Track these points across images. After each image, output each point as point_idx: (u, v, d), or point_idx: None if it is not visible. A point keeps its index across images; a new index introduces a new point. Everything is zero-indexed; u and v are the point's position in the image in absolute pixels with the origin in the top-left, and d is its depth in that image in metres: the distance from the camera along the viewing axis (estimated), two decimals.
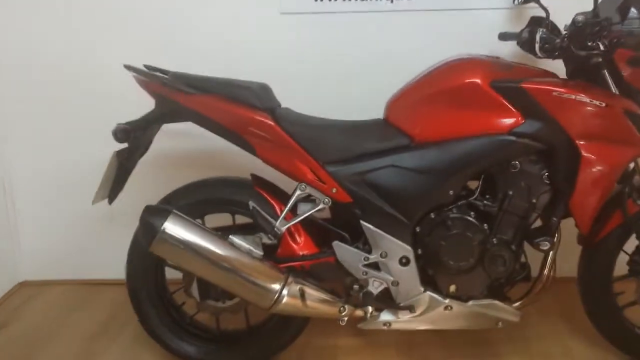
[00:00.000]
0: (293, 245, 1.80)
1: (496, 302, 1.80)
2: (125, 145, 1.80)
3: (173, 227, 1.63)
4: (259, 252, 1.71)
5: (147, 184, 2.26)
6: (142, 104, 1.80)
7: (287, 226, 1.75)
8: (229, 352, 1.94)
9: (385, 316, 1.81)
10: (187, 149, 2.45)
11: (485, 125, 1.67)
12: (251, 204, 1.75)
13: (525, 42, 1.81)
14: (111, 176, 1.81)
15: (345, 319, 1.81)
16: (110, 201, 1.86)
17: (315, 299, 1.73)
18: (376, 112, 1.84)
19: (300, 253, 1.79)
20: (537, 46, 1.73)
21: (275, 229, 1.73)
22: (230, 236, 1.70)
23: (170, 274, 1.98)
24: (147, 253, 1.83)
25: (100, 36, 2.38)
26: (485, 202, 1.75)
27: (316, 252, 1.81)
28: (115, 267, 2.52)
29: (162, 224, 1.61)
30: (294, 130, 1.71)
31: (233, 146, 2.16)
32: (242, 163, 1.90)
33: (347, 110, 1.95)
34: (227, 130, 1.73)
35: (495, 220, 1.75)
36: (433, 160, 1.71)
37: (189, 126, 2.34)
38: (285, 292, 1.68)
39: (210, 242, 1.66)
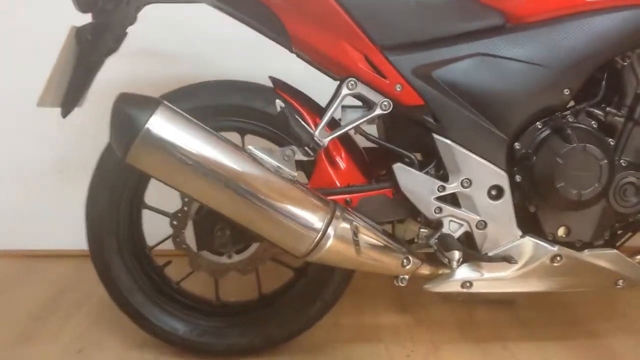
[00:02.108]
0: (332, 171, 1.25)
1: (617, 252, 1.29)
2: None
3: (164, 124, 1.04)
4: (291, 172, 1.15)
5: None
6: None
7: (330, 137, 1.20)
8: (234, 331, 1.35)
9: (464, 273, 1.27)
10: (173, 74, 1.87)
11: None
12: (279, 103, 1.18)
13: None
14: (67, 67, 1.22)
15: (407, 277, 1.26)
16: (65, 112, 1.27)
17: (372, 244, 1.17)
18: None
19: (342, 183, 1.24)
20: None
21: (316, 138, 1.17)
22: (249, 146, 1.14)
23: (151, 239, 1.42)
24: (118, 178, 1.27)
25: None
26: (608, 109, 1.24)
27: (365, 182, 1.27)
28: (64, 235, 1.98)
29: (148, 118, 1.03)
30: None
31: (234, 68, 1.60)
32: None
33: None
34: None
35: (622, 135, 1.24)
36: (540, 45, 1.19)
37: (175, 45, 1.85)
38: (331, 231, 1.12)
39: (220, 149, 1.08)
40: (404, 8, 1.21)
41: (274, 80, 1.33)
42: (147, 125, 1.03)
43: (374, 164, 1.32)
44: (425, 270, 1.26)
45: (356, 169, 1.27)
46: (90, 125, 1.87)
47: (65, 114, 1.27)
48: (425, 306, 1.63)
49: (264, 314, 1.36)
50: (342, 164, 1.26)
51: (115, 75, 1.47)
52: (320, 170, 1.25)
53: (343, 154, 1.26)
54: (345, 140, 1.28)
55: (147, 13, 1.27)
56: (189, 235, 1.30)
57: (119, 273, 1.31)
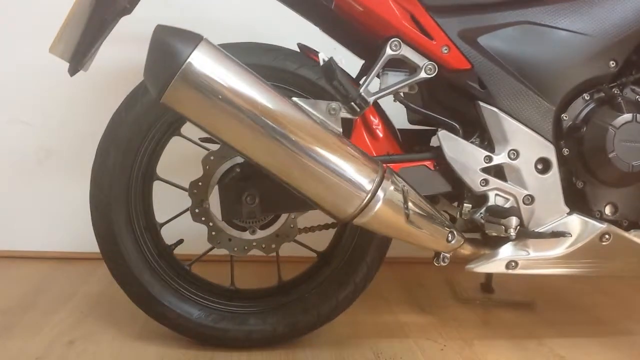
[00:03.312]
0: (369, 139, 1.17)
1: None
2: None
3: (207, 60, 0.93)
4: (336, 127, 1.06)
5: (100, 111, 1.52)
6: None
7: (376, 97, 1.12)
8: (255, 317, 1.21)
9: (509, 252, 1.18)
10: None
11: None
12: (322, 55, 1.09)
13: None
14: (82, 16, 1.11)
15: (449, 256, 1.16)
16: (72, 70, 1.15)
17: (420, 213, 1.07)
18: None
19: (379, 153, 1.16)
20: None
21: (363, 93, 1.08)
22: (293, 97, 1.04)
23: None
24: (133, 140, 1.14)
25: None
26: None
27: (403, 154, 1.19)
28: (40, 235, 1.79)
29: (190, 51, 0.92)
30: None
31: None
32: None
33: None
34: None
35: None
36: (584, 15, 1.17)
37: None
38: (380, 193, 1.01)
39: (266, 94, 0.98)
40: None
41: (303, 47, 1.26)
42: (189, 60, 0.92)
43: (404, 145, 1.25)
44: (466, 250, 1.17)
45: (393, 140, 1.20)
46: (75, 112, 1.75)
47: (72, 72, 1.16)
48: (445, 308, 1.53)
49: (288, 299, 1.23)
50: (379, 133, 1.18)
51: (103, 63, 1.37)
52: (357, 138, 1.16)
53: (380, 123, 1.19)
54: (381, 111, 1.21)
55: None
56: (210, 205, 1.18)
57: (128, 248, 1.16)
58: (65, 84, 1.68)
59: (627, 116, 1.13)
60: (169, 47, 0.92)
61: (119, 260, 1.16)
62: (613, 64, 1.17)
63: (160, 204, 1.26)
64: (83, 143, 1.70)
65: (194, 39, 0.94)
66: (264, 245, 1.20)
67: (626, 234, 1.20)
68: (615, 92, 1.18)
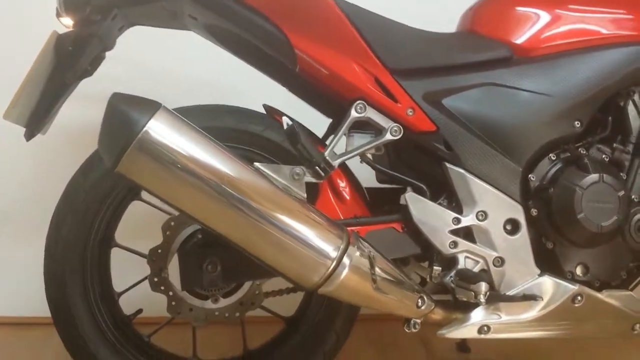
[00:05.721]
0: (335, 202, 1.14)
1: (632, 294, 1.21)
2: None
3: (164, 128, 0.91)
4: (300, 192, 1.03)
5: (59, 172, 1.47)
6: None
7: (341, 159, 1.10)
8: None
9: (481, 316, 1.15)
10: None
11: (631, 29, 1.19)
12: (286, 120, 1.07)
13: None
14: (40, 79, 1.08)
15: (419, 322, 1.13)
16: (29, 135, 1.10)
17: (388, 278, 1.04)
18: None
19: (346, 216, 1.13)
20: None
21: (327, 156, 1.06)
22: (255, 163, 1.01)
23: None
24: (89, 208, 1.09)
25: None
26: (615, 145, 1.22)
27: (371, 215, 1.16)
28: None
29: (147, 120, 0.89)
30: (354, 15, 1.10)
31: None
32: None
33: None
34: (248, 10, 1.08)
35: (630, 170, 1.21)
36: (548, 76, 1.18)
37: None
38: (346, 259, 0.98)
39: (226, 161, 0.95)
40: (414, 35, 1.18)
41: (269, 108, 1.24)
42: (145, 128, 0.89)
43: (373, 204, 1.22)
44: (437, 315, 1.14)
45: (361, 201, 1.17)
46: (35, 172, 1.69)
47: (28, 137, 1.11)
48: None
49: None
50: (346, 195, 1.16)
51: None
52: (324, 201, 1.13)
53: (347, 185, 1.16)
54: (348, 171, 1.19)
55: None
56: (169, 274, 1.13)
57: (84, 321, 1.10)
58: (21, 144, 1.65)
59: (594, 176, 1.13)
60: (124, 116, 0.90)
61: (73, 332, 1.09)
62: (578, 124, 1.17)
63: (120, 271, 1.21)
64: (40, 205, 1.65)
65: (151, 107, 0.91)
66: (227, 314, 1.15)
67: (599, 295, 1.17)
68: (582, 152, 1.18)
